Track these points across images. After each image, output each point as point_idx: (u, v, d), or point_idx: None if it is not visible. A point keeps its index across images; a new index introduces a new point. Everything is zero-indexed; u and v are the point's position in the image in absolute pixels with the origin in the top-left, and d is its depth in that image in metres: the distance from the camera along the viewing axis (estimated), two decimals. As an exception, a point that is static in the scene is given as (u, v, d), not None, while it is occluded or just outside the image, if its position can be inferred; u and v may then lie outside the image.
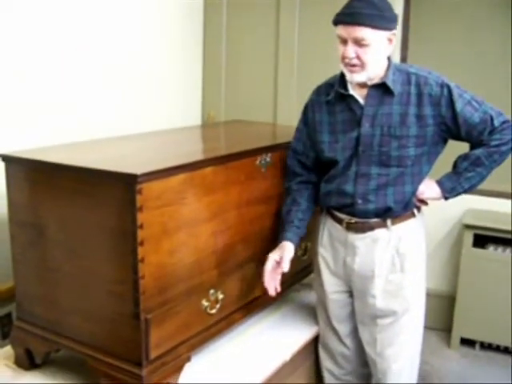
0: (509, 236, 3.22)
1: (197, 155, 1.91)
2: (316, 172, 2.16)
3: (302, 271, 2.50)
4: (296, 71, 3.59)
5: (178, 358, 1.81)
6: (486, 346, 3.37)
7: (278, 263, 2.04)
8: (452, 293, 3.43)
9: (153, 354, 1.71)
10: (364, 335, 2.14)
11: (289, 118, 3.59)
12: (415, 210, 2.06)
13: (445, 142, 2.03)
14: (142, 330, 1.67)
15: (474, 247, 3.27)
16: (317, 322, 2.33)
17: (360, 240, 2.04)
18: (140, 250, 1.62)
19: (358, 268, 2.06)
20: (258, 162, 2.09)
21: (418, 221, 2.09)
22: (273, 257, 2.05)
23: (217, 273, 1.96)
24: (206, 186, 1.85)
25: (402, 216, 2.03)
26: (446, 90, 1.93)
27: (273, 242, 2.19)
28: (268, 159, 2.14)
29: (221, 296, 1.97)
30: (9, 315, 2.53)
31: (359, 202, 2.00)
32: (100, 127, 2.84)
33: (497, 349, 3.34)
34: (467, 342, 3.37)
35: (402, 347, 2.08)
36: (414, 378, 2.19)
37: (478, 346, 3.36)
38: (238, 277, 2.08)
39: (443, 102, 1.93)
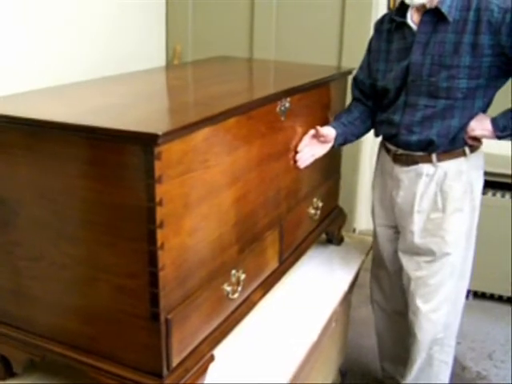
0: (509, 180, 3.01)
1: (215, 104, 1.47)
2: (374, 101, 2.05)
3: (314, 232, 2.16)
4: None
5: (201, 359, 1.44)
6: (480, 295, 3.21)
7: (315, 137, 1.93)
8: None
9: (175, 361, 1.34)
10: (403, 272, 2.07)
11: (267, 54, 3.17)
12: (466, 149, 1.89)
13: (507, 75, 1.80)
14: (161, 333, 1.29)
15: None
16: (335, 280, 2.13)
17: (404, 173, 1.96)
18: (159, 234, 1.21)
19: (401, 202, 1.99)
20: (278, 108, 1.69)
21: (470, 161, 1.92)
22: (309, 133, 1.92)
23: (237, 248, 1.59)
24: (229, 143, 1.44)
25: (449, 152, 1.89)
26: (509, 17, 1.68)
27: (288, 205, 1.86)
28: (287, 105, 1.74)
29: (242, 276, 1.60)
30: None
31: (403, 132, 1.90)
32: (39, 72, 2.33)
33: (490, 297, 3.20)
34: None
35: (437, 290, 1.99)
36: (452, 327, 2.09)
37: (470, 296, 3.17)
38: (257, 250, 1.71)
39: (504, 30, 1.69)
